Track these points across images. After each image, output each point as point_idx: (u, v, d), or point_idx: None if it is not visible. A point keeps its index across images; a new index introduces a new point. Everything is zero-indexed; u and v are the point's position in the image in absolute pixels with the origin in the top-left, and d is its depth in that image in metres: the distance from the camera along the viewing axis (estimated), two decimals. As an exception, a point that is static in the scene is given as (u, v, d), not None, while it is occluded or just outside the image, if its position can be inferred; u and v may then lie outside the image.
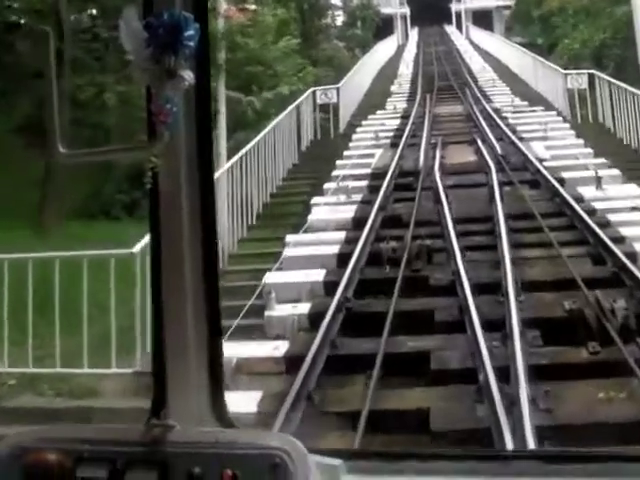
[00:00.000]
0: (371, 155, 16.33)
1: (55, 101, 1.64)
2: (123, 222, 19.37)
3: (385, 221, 11.53)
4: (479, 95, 23.33)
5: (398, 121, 20.53)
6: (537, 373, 6.59)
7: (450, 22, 55.04)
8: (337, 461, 1.62)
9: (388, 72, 33.30)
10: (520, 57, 29.59)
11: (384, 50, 40.36)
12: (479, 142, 16.26)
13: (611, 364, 6.73)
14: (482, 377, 6.52)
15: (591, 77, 21.26)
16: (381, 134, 18.38)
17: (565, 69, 26.09)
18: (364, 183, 13.89)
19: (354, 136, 19.13)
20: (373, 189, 13.38)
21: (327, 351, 7.41)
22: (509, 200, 11.88)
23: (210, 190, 1.68)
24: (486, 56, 35.81)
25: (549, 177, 12.69)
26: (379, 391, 6.66)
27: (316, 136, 21.27)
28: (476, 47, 41.44)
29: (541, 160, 14.20)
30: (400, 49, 45.01)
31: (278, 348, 7.74)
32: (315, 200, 13.15)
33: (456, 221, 10.95)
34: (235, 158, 14.36)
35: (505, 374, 6.56)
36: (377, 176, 14.24)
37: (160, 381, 1.68)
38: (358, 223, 11.48)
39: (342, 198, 12.95)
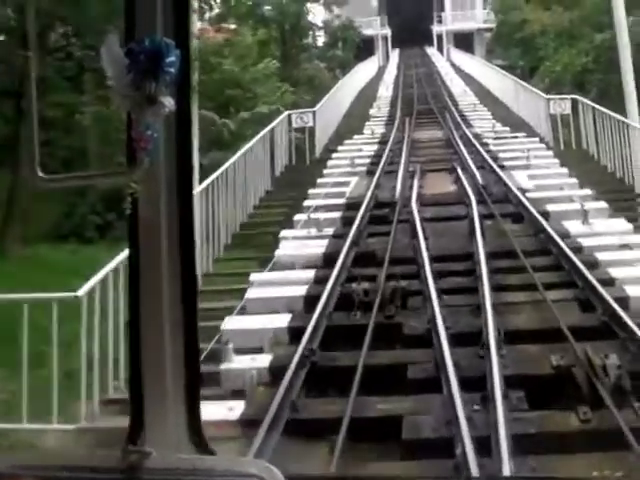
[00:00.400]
0: (346, 183, 15.58)
1: (35, 125, 1.60)
2: (95, 245, 18.78)
3: (358, 258, 10.75)
4: (459, 120, 22.69)
5: (376, 147, 19.83)
6: (522, 444, 5.81)
7: (431, 44, 54.73)
8: None
9: (368, 94, 32.71)
10: (501, 80, 29.07)
11: (364, 71, 39.83)
12: (459, 170, 15.55)
13: (604, 434, 5.96)
14: (459, 450, 5.74)
15: (574, 102, 20.69)
16: (357, 161, 17.65)
17: (547, 93, 25.64)
18: (337, 215, 13.11)
19: (329, 162, 18.39)
20: (346, 221, 12.61)
21: (287, 414, 6.61)
22: (490, 236, 11.15)
23: (189, 216, 1.66)
24: (467, 79, 35.30)
25: (532, 210, 11.96)
26: (343, 464, 5.86)
27: (291, 161, 20.56)
28: (457, 69, 40.95)
29: (524, 191, 13.50)
30: (381, 70, 44.55)
31: (233, 409, 6.92)
32: (284, 233, 12.37)
33: (433, 259, 10.19)
34: (204, 184, 13.61)
35: (486, 445, 5.79)
36: (351, 207, 13.49)
37: (137, 407, 1.65)
38: (329, 260, 10.70)
39: (313, 231, 12.17)
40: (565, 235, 10.84)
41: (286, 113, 21.50)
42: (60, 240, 19.13)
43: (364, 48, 50.96)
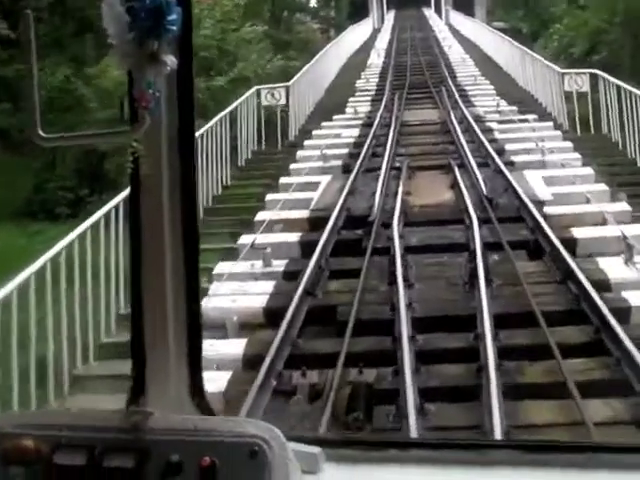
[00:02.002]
0: (315, 185, 12.42)
1: (35, 83, 1.47)
2: (61, 224, 16.31)
3: (311, 318, 7.64)
4: (457, 96, 19.34)
5: (357, 131, 16.60)
6: None
7: (429, 5, 51.10)
8: (316, 449, 1.58)
9: (357, 62, 29.36)
10: (505, 48, 25.71)
11: (355, 35, 36.30)
12: (456, 170, 12.37)
13: None
14: None
15: (593, 77, 17.46)
16: (332, 152, 14.45)
17: (555, 60, 22.67)
18: (294, 238, 9.94)
19: (299, 153, 15.14)
20: (305, 250, 9.48)
21: None
22: (498, 282, 8.01)
23: (191, 175, 1.63)
24: (467, 45, 31.87)
25: (554, 238, 8.80)
26: None
27: (260, 145, 17.39)
28: (455, 33, 37.48)
29: (540, 204, 10.35)
30: (374, 34, 41.03)
31: None
32: (220, 268, 9.18)
33: (418, 325, 7.10)
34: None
35: None
36: (315, 224, 10.35)
37: (139, 367, 1.64)
38: (271, 319, 7.61)
39: (258, 266, 9.02)
40: (604, 285, 7.69)
41: (254, 88, 18.25)
42: (28, 217, 17.43)
43: (360, 8, 47.72)
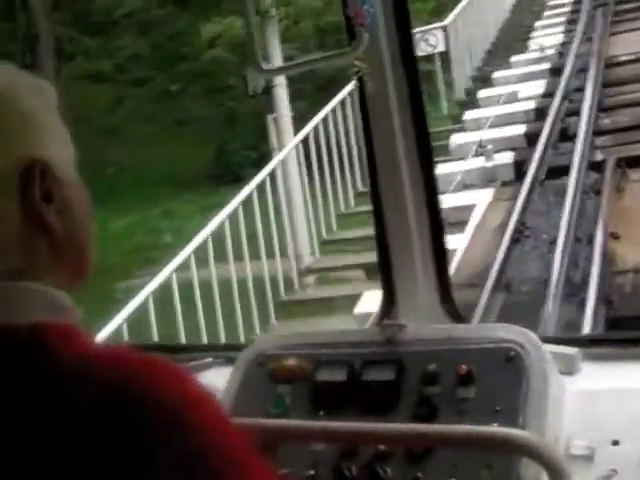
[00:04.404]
0: (465, 213, 7.84)
1: (252, 16, 1.57)
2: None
3: None
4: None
5: (541, 86, 11.57)
6: None
7: None
8: (573, 349, 1.55)
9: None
10: None
11: None
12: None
13: None
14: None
15: None
16: (499, 134, 9.69)
17: None
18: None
19: (453, 140, 10.37)
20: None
21: None
22: None
23: (417, 87, 1.64)
24: None
25: None
26: None
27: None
28: None
29: None
30: None
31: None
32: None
33: None
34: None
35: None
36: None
37: (388, 282, 1.70)
38: None
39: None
40: None
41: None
42: (214, 182, 16.30)
43: None
